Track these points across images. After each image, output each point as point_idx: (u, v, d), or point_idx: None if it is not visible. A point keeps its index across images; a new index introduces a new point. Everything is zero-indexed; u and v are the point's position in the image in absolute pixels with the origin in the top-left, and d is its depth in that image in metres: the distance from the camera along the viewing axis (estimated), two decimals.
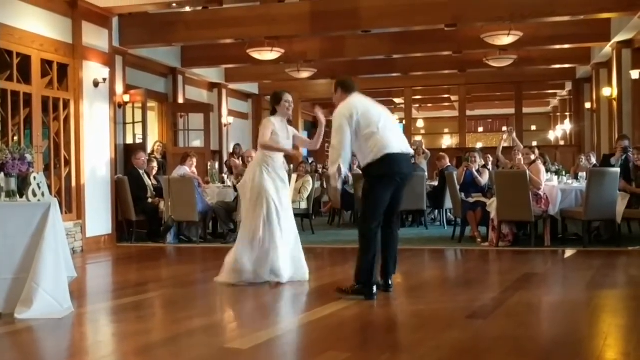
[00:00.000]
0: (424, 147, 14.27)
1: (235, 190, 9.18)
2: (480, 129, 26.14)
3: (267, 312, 4.96)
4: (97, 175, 8.96)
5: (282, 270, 5.68)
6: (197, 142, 13.45)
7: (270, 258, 5.67)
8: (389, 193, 5.11)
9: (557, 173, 9.28)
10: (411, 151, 5.44)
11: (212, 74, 14.51)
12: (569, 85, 17.79)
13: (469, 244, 8.48)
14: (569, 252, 7.65)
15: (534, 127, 22.33)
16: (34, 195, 4.74)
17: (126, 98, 11.03)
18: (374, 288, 5.06)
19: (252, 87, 16.86)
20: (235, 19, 10.41)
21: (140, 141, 11.24)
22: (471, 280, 6.20)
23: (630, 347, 3.75)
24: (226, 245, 8.80)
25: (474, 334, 4.06)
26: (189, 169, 9.86)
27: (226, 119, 15.31)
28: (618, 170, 8.06)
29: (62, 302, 4.58)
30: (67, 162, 8.52)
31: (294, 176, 9.83)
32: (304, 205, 10.24)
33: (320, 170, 13.32)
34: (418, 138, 18.86)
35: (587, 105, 15.42)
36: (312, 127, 20.58)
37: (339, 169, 5.02)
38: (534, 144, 16.88)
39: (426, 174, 11.33)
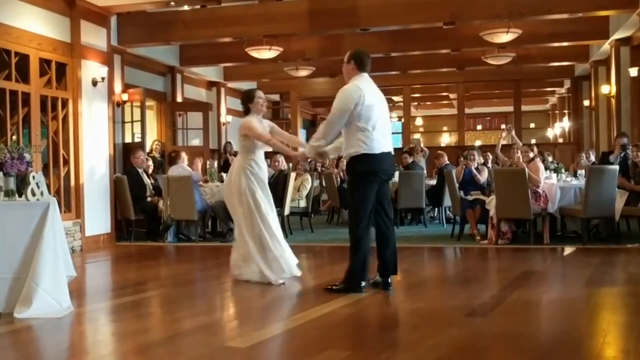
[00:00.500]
0: (422, 145, 14.29)
1: None
2: (479, 127, 26.14)
3: (266, 311, 4.96)
4: (96, 174, 8.96)
5: (294, 264, 5.76)
6: (196, 141, 13.44)
7: (286, 257, 5.71)
8: (374, 191, 5.16)
9: (556, 171, 9.29)
10: (391, 150, 5.39)
11: (210, 72, 14.51)
12: (567, 83, 17.79)
13: (468, 241, 8.49)
14: (567, 250, 7.66)
15: (532, 125, 22.34)
16: (33, 194, 4.74)
17: (125, 97, 11.02)
18: (363, 283, 5.15)
19: (250, 86, 16.80)
20: (233, 17, 10.41)
21: (139, 140, 11.23)
22: (470, 278, 6.20)
23: (630, 345, 3.76)
24: (225, 244, 8.82)
25: (473, 332, 4.06)
26: (188, 167, 9.85)
27: (225, 117, 15.31)
28: (617, 167, 8.07)
29: (62, 302, 4.58)
30: (66, 161, 8.51)
31: (293, 174, 9.83)
32: (303, 203, 10.24)
33: (319, 169, 13.31)
34: (416, 136, 18.87)
35: (586, 102, 15.42)
36: (310, 125, 20.58)
37: (317, 150, 5.22)
38: (533, 141, 16.89)
39: (425, 172, 11.34)
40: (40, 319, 4.38)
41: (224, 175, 10.75)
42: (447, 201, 10.08)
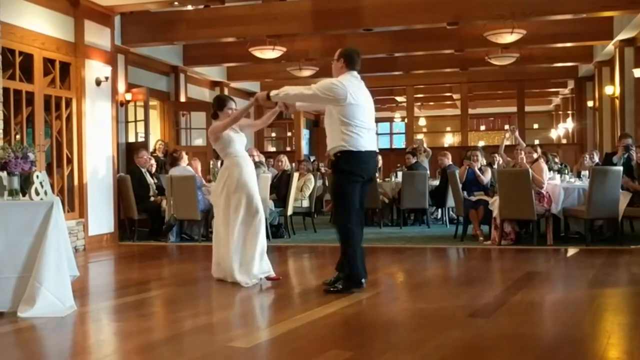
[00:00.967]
0: (425, 145, 14.28)
1: None
2: (482, 127, 26.08)
3: (269, 311, 4.96)
4: (99, 174, 8.97)
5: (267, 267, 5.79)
6: (199, 141, 13.45)
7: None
8: (358, 187, 5.17)
9: (560, 171, 9.27)
10: (375, 148, 5.36)
11: (213, 72, 14.52)
12: (571, 84, 17.75)
13: (471, 242, 8.48)
14: (571, 251, 7.65)
15: (536, 126, 22.29)
16: (37, 193, 4.75)
17: (128, 96, 11.04)
18: (363, 280, 5.21)
19: (253, 86, 16.84)
20: (237, 17, 10.42)
21: (142, 140, 11.24)
22: (473, 278, 6.19)
23: (634, 346, 3.75)
24: None
25: (476, 332, 4.05)
26: (190, 168, 9.85)
27: None
28: (621, 168, 8.05)
29: (65, 301, 4.59)
30: (70, 161, 8.53)
31: (296, 175, 9.83)
32: (305, 203, 10.24)
33: (323, 169, 13.31)
34: (419, 136, 18.85)
35: (590, 103, 15.39)
36: (313, 125, 20.57)
37: (280, 101, 5.34)
38: (536, 142, 16.86)
39: (428, 172, 11.34)
40: (43, 318, 4.38)
41: None
42: (450, 202, 10.07)
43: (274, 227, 9.20)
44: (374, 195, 10.57)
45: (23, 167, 4.81)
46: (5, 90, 7.34)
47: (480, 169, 9.06)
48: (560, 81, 18.07)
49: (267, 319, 4.61)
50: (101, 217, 8.91)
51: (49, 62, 8.17)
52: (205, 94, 14.86)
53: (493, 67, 13.23)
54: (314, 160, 14.62)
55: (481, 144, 20.88)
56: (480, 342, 3.85)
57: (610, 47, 11.96)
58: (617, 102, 11.93)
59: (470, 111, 19.14)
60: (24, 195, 4.82)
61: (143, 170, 9.72)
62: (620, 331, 4.15)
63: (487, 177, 9.03)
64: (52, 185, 6.68)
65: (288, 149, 19.56)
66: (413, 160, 11.64)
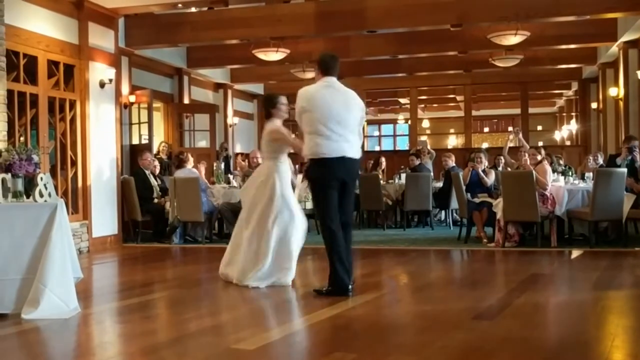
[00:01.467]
0: (429, 147, 14.27)
1: None
2: (486, 129, 26.07)
3: (273, 313, 4.96)
4: (103, 176, 8.98)
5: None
6: (202, 143, 13.47)
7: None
8: (332, 192, 5.14)
9: (564, 173, 9.25)
10: (356, 155, 5.21)
11: (217, 74, 14.53)
12: (575, 85, 17.72)
13: (474, 244, 8.47)
14: (575, 253, 7.63)
15: (539, 127, 22.25)
16: (41, 195, 4.75)
17: (132, 98, 11.06)
18: (349, 286, 5.12)
19: (257, 88, 16.86)
20: (240, 19, 10.42)
21: (146, 142, 11.26)
22: (477, 280, 6.18)
23: (638, 349, 3.74)
24: None
25: (480, 335, 4.04)
26: (196, 170, 9.85)
27: (231, 119, 15.32)
28: (625, 170, 8.03)
29: (69, 303, 4.59)
30: (74, 163, 8.54)
31: (299, 176, 9.81)
32: (309, 205, 10.22)
33: None
34: (423, 138, 18.84)
35: (594, 105, 15.36)
36: None
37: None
38: (540, 144, 16.83)
39: (432, 174, 11.33)
40: (47, 320, 4.38)
41: (230, 177, 10.79)
42: (454, 203, 10.06)
43: None
44: (378, 197, 10.58)
45: (27, 169, 4.82)
46: (10, 92, 7.35)
47: (483, 171, 9.05)
48: (564, 83, 18.05)
49: (272, 321, 4.61)
50: (105, 219, 8.92)
51: (53, 64, 8.19)
52: (209, 96, 14.87)
53: (497, 69, 13.22)
54: None
55: (485, 145, 20.86)
56: (485, 344, 3.84)
57: (614, 48, 11.94)
58: (621, 103, 11.90)
59: (474, 113, 19.14)
60: (28, 197, 4.83)
61: (147, 172, 9.72)
62: (624, 334, 4.13)
63: (490, 179, 9.02)
64: (56, 187, 6.71)
65: (291, 151, 19.53)
66: (417, 162, 11.63)
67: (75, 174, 8.56)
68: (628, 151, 8.75)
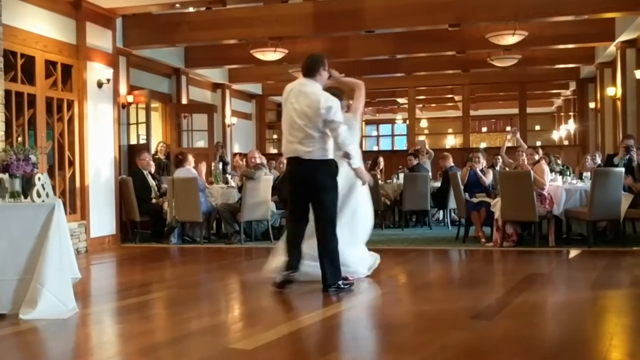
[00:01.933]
0: (427, 147, 14.27)
1: (240, 191, 9.18)
2: (484, 129, 26.09)
3: (271, 313, 4.96)
4: (101, 176, 8.98)
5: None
6: (200, 143, 13.45)
7: None
8: (294, 190, 5.36)
9: (562, 173, 9.26)
10: (300, 154, 5.20)
11: (215, 74, 14.52)
12: (573, 85, 17.74)
13: (473, 244, 8.47)
14: (573, 252, 7.63)
15: (537, 127, 22.27)
16: (39, 195, 4.75)
17: (130, 99, 11.04)
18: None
19: (255, 88, 16.86)
20: (238, 19, 10.41)
21: (144, 142, 11.25)
22: (475, 280, 6.19)
23: (636, 348, 3.74)
24: (230, 246, 8.83)
25: (479, 334, 4.04)
26: (194, 170, 9.85)
27: (230, 119, 15.32)
28: (623, 170, 8.04)
29: (67, 303, 4.59)
30: (71, 163, 8.53)
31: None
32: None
33: None
34: (421, 138, 18.85)
35: (591, 105, 15.38)
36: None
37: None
38: (538, 143, 16.85)
39: (430, 174, 11.32)
40: (45, 320, 4.38)
41: (228, 177, 10.78)
42: (452, 203, 10.06)
43: (276, 229, 9.19)
44: (376, 197, 10.56)
45: (25, 169, 4.81)
46: (7, 93, 7.35)
47: (482, 171, 9.05)
48: (562, 83, 18.07)
49: (270, 321, 4.61)
50: (103, 219, 8.91)
51: (50, 64, 8.18)
52: (207, 96, 14.87)
53: (495, 68, 13.22)
54: None
55: (483, 145, 20.87)
56: (483, 344, 3.84)
57: (612, 48, 11.95)
58: (618, 103, 11.91)
59: (472, 113, 19.13)
60: (25, 197, 4.82)
61: (145, 172, 9.72)
62: (622, 333, 4.14)
63: (488, 179, 9.02)
64: (53, 187, 6.68)
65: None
66: (415, 162, 11.63)
67: (73, 174, 8.55)
68: (625, 150, 8.76)
